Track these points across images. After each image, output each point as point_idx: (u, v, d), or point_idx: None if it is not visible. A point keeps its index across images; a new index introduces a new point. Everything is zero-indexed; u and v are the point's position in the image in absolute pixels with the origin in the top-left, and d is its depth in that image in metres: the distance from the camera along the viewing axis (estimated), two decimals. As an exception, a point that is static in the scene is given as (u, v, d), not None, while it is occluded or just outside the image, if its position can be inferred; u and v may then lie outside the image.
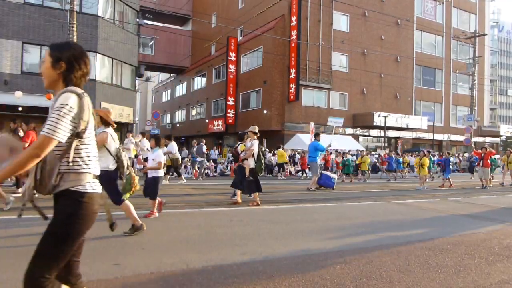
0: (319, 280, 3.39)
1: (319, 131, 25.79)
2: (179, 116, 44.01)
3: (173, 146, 12.99)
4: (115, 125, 5.11)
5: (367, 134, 30.49)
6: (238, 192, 8.27)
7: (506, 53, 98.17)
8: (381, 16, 29.23)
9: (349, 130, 29.26)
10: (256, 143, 8.12)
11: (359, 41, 29.10)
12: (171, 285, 3.18)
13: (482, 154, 14.91)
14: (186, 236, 5.02)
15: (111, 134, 4.94)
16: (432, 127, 31.19)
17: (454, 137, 35.17)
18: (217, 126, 32.41)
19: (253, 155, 8.04)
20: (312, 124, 23.49)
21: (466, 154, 27.84)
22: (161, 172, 6.47)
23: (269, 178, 18.05)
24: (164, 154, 13.14)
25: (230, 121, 30.72)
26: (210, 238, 4.93)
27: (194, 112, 40.05)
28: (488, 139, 39.20)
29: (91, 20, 20.05)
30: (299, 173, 19.88)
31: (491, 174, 15.58)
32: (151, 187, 6.40)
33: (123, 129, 23.87)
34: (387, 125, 28.14)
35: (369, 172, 19.67)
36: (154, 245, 4.45)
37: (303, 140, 24.92)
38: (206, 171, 19.28)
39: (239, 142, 9.06)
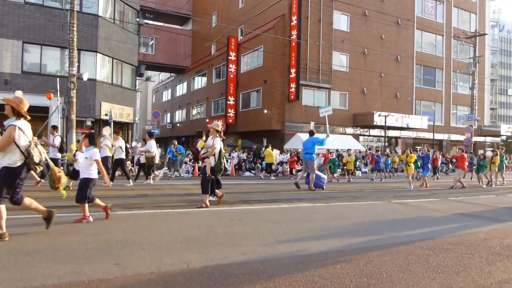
0: (319, 280, 3.39)
1: (319, 131, 25.93)
2: (180, 115, 44.02)
3: (152, 144, 12.65)
4: (29, 117, 4.65)
5: (367, 134, 30.48)
6: (218, 193, 8.04)
7: (507, 53, 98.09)
8: (382, 16, 29.22)
9: (349, 130, 29.26)
10: (218, 141, 7.69)
11: (360, 41, 29.09)
12: (172, 285, 3.18)
13: (457, 157, 15.12)
14: (186, 236, 5.02)
15: (21, 128, 4.47)
16: (432, 126, 31.19)
17: (454, 137, 35.16)
18: (217, 125, 32.38)
19: (214, 154, 7.63)
20: (312, 123, 23.52)
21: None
22: (94, 174, 5.88)
23: (267, 178, 18.02)
24: (143, 152, 12.97)
25: (230, 120, 30.72)
26: (210, 238, 4.93)
27: (194, 111, 40.06)
28: (489, 139, 39.21)
29: (91, 20, 20.05)
30: (299, 173, 19.84)
31: (484, 174, 15.62)
32: (79, 189, 5.76)
33: (123, 128, 23.91)
34: (387, 124, 28.14)
35: (355, 171, 19.56)
36: (154, 245, 4.45)
37: (303, 139, 24.85)
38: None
39: (199, 140, 8.87)
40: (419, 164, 15.71)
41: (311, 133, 12.37)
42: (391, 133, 30.91)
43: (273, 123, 26.64)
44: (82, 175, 5.87)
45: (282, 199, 9.50)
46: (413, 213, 7.74)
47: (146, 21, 27.12)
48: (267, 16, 28.04)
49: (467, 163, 15.01)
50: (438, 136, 32.86)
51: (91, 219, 5.71)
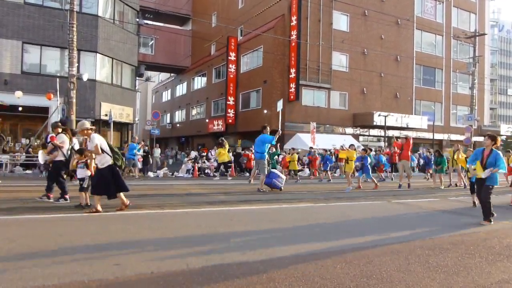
0: (319, 280, 3.39)
1: (319, 131, 25.93)
2: (179, 116, 44.00)
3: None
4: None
5: (367, 133, 30.48)
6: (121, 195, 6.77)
7: (506, 53, 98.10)
8: (381, 16, 29.20)
9: (349, 130, 29.27)
10: (96, 137, 6.54)
11: (359, 41, 29.09)
12: (172, 285, 3.18)
13: (402, 145, 13.54)
14: (186, 236, 5.02)
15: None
16: (432, 126, 31.19)
17: (454, 137, 35.14)
18: (217, 126, 32.41)
19: (103, 151, 6.52)
20: (313, 123, 23.52)
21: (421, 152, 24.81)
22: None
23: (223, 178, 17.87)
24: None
25: (230, 121, 30.71)
26: (210, 238, 4.93)
27: (194, 112, 40.04)
28: (488, 139, 39.14)
29: (91, 20, 20.05)
30: (299, 173, 19.85)
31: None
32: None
33: (123, 129, 23.91)
34: (387, 124, 28.13)
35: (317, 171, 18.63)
36: (154, 245, 4.45)
37: (303, 139, 24.91)
38: (206, 171, 19.28)
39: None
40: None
41: (264, 129, 11.18)
42: (391, 133, 30.89)
43: (273, 123, 26.62)
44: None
45: (282, 199, 9.50)
46: (413, 213, 7.74)
47: (145, 21, 27.17)
48: (267, 16, 28.04)
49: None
50: (438, 136, 32.85)
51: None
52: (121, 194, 6.71)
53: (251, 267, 3.73)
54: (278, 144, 16.40)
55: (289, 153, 17.67)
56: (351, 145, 13.03)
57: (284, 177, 11.89)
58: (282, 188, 11.26)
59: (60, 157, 7.79)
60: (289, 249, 4.44)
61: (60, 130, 8.07)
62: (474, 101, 28.89)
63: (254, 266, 3.75)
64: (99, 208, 6.53)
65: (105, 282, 3.20)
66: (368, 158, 14.27)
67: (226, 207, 7.77)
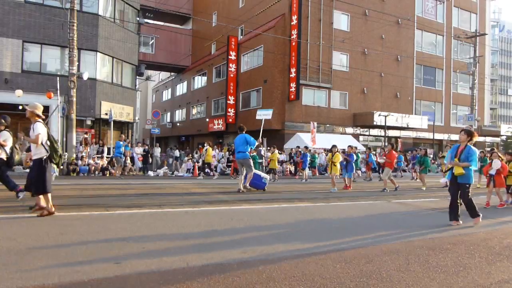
0: (319, 280, 3.40)
1: (319, 131, 25.91)
2: (180, 115, 43.99)
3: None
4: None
5: (367, 133, 30.49)
6: (41, 198, 6.01)
7: (507, 53, 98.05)
8: (382, 16, 29.19)
9: (349, 130, 29.27)
10: (39, 126, 5.95)
11: (360, 41, 29.08)
12: (172, 284, 3.19)
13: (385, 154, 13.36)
14: (186, 235, 5.02)
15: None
16: (432, 126, 31.18)
17: (454, 137, 35.10)
18: (218, 125, 32.42)
19: (42, 144, 5.96)
20: (313, 123, 23.52)
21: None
22: None
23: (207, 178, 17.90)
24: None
25: (230, 120, 30.71)
26: (210, 237, 4.93)
27: (194, 111, 40.04)
28: (489, 139, 39.19)
29: (91, 19, 20.05)
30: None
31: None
32: None
33: (123, 128, 23.90)
34: (387, 124, 28.14)
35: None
36: (154, 244, 4.45)
37: (303, 139, 24.91)
38: (206, 170, 19.28)
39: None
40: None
41: (242, 130, 11.00)
42: (391, 133, 30.91)
43: (273, 122, 26.62)
44: None
45: (283, 199, 9.50)
46: (413, 212, 7.75)
47: (146, 20, 27.09)
48: (267, 16, 28.03)
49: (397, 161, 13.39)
50: (438, 136, 32.86)
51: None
52: (41, 196, 5.94)
53: (251, 266, 3.73)
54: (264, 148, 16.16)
55: (271, 152, 17.25)
56: (334, 146, 12.51)
57: (267, 176, 11.71)
58: (266, 188, 11.07)
59: (2, 155, 7.50)
60: (289, 249, 4.45)
61: (3, 127, 7.74)
62: (474, 101, 28.90)
63: (254, 265, 3.75)
64: (51, 208, 5.98)
65: (105, 281, 3.20)
66: (354, 156, 13.99)
67: (226, 206, 7.78)
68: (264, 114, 14.14)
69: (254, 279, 3.35)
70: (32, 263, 3.58)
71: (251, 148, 11.11)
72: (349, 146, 13.85)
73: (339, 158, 12.29)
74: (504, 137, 41.53)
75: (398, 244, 4.88)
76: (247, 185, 10.78)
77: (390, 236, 5.37)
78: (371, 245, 4.78)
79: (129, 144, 17.44)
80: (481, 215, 6.42)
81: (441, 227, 6.11)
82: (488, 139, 39.16)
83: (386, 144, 14.45)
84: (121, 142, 16.36)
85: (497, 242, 5.17)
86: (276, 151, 17.06)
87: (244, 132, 10.91)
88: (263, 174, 11.51)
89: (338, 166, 12.31)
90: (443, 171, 8.80)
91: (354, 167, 13.97)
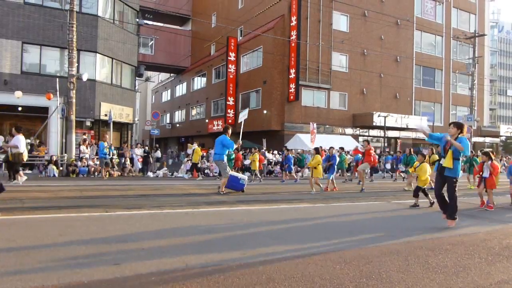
0: (319, 280, 3.39)
1: (319, 131, 25.91)
2: (179, 116, 44.00)
3: (20, 139, 10.44)
4: None
5: (367, 134, 30.50)
6: None
7: (506, 53, 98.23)
8: (381, 16, 29.23)
9: (349, 131, 29.28)
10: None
11: (359, 41, 29.10)
12: (171, 285, 3.18)
13: (363, 152, 13.47)
14: (185, 236, 5.01)
15: None
16: (432, 127, 31.17)
17: (454, 137, 35.18)
18: (217, 126, 32.42)
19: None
20: (313, 124, 23.51)
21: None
22: None
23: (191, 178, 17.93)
24: (6, 147, 10.83)
25: (230, 121, 30.69)
26: (209, 238, 4.93)
27: (194, 112, 40.05)
28: (488, 139, 39.23)
29: (91, 20, 20.05)
30: (299, 173, 19.84)
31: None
32: None
33: (123, 129, 23.90)
34: (386, 125, 28.15)
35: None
36: (153, 245, 4.45)
37: (303, 140, 24.93)
38: (206, 171, 19.27)
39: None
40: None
41: (225, 131, 10.58)
42: (391, 133, 30.92)
43: (272, 123, 26.64)
44: None
45: (282, 200, 9.50)
46: (413, 213, 7.75)
47: (145, 21, 27.16)
48: (266, 17, 28.05)
49: (374, 157, 13.04)
50: (437, 137, 32.85)
51: None
52: None
53: (251, 267, 3.73)
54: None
55: (252, 153, 16.92)
56: (316, 148, 12.05)
57: (245, 177, 11.33)
58: (244, 190, 10.71)
59: None
60: (289, 249, 4.44)
61: None
62: (473, 101, 28.93)
63: (254, 266, 3.75)
64: None
65: (104, 282, 3.20)
66: (337, 157, 13.57)
67: (226, 207, 7.77)
68: (243, 115, 13.87)
69: (254, 280, 3.35)
70: (31, 265, 3.58)
71: (228, 151, 10.85)
72: (331, 147, 13.42)
73: (318, 160, 11.48)
74: (503, 138, 41.57)
75: (397, 244, 4.87)
76: (223, 189, 10.30)
77: (390, 236, 5.37)
78: (370, 245, 4.78)
79: (112, 146, 16.96)
80: (457, 219, 6.17)
81: (440, 228, 6.11)
82: (488, 139, 39.20)
83: (364, 141, 14.25)
84: (105, 143, 16.04)
85: (496, 242, 5.17)
86: (257, 153, 16.70)
87: (227, 133, 10.50)
88: (240, 175, 11.25)
89: (320, 169, 11.55)
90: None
91: (335, 168, 13.44)
